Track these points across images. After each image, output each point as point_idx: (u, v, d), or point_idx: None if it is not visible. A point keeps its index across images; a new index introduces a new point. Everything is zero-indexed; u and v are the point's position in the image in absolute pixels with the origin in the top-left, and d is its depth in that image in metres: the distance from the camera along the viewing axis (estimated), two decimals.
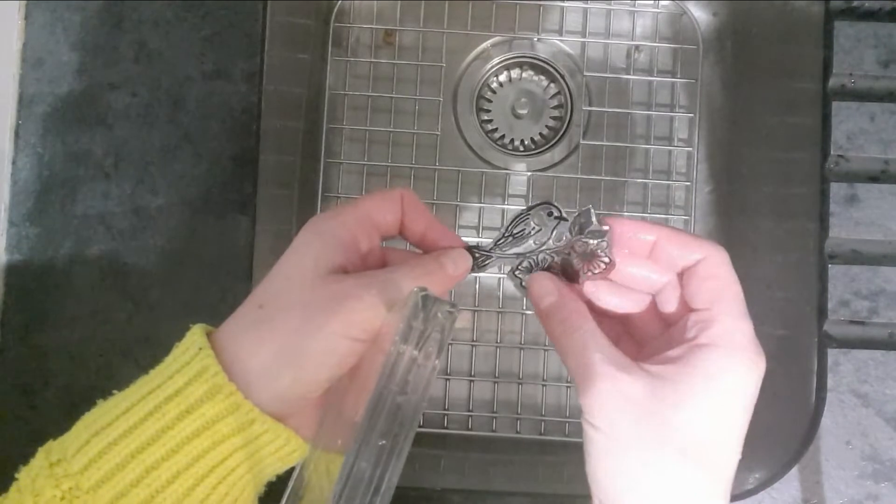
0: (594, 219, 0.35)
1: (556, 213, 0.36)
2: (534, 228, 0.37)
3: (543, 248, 0.37)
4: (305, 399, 0.33)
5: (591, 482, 0.33)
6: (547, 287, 0.35)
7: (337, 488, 0.28)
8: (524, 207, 0.37)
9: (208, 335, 0.33)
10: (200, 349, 0.32)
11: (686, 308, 0.35)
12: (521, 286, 0.37)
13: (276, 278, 0.34)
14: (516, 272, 0.37)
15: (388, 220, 0.36)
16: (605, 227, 0.35)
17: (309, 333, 0.32)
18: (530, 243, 0.37)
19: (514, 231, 0.37)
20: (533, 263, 0.37)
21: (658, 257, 0.35)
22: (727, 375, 0.31)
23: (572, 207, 0.62)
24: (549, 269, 0.37)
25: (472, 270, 0.38)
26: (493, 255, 0.37)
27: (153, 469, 0.30)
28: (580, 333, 0.33)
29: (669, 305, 0.36)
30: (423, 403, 0.30)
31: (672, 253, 0.34)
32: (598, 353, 0.32)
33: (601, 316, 0.37)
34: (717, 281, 0.33)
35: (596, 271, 0.35)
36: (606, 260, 0.35)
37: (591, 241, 0.35)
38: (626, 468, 0.31)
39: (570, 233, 0.36)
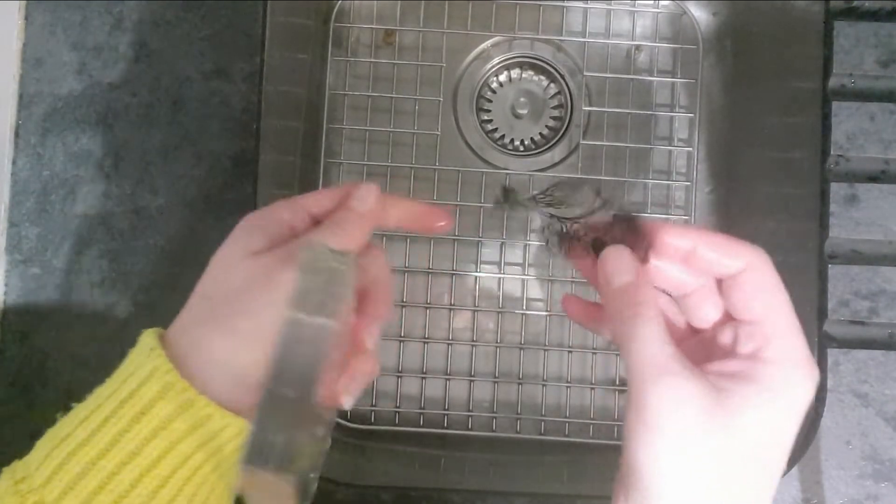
0: (637, 216, 0.34)
1: (603, 196, 0.35)
2: (576, 199, 0.35)
3: (580, 218, 0.35)
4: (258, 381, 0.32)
5: (631, 478, 0.31)
6: (625, 264, 0.33)
7: (243, 453, 0.27)
8: (572, 176, 0.36)
9: (162, 336, 0.34)
10: (151, 349, 0.32)
11: (725, 316, 0.34)
12: (550, 250, 0.36)
13: (211, 269, 0.35)
14: (545, 231, 0.36)
15: (324, 204, 0.37)
16: (646, 226, 0.34)
17: (245, 313, 0.32)
18: (565, 210, 0.36)
19: (556, 193, 0.36)
20: (565, 229, 0.36)
21: (695, 263, 0.33)
22: (789, 391, 0.31)
23: None
24: (578, 240, 0.35)
25: (504, 209, 0.38)
26: (528, 205, 0.36)
27: (115, 474, 0.30)
28: (654, 324, 0.31)
29: (703, 311, 0.34)
30: (323, 364, 0.29)
31: (711, 259, 0.33)
32: (666, 348, 0.30)
33: None
34: (768, 292, 0.32)
35: None
36: (643, 253, 0.34)
37: (632, 233, 0.34)
38: (676, 470, 0.30)
39: (614, 217, 0.35)
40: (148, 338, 0.34)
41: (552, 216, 0.36)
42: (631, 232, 0.34)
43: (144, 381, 0.32)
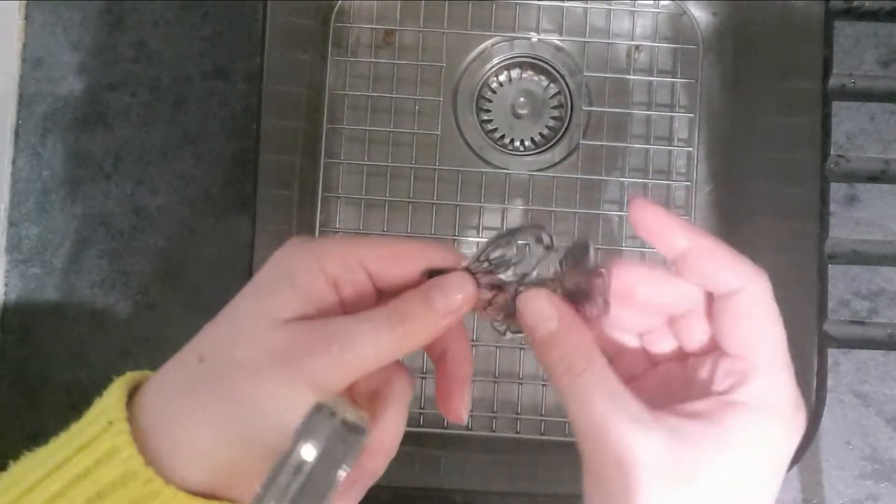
0: (592, 254, 0.28)
1: (546, 241, 0.29)
2: (516, 255, 0.29)
3: (526, 280, 0.29)
4: (250, 469, 0.27)
5: None
6: (543, 310, 0.28)
7: None
8: (507, 229, 0.30)
9: (137, 388, 0.28)
10: (110, 423, 0.27)
11: (711, 345, 0.29)
12: (497, 329, 0.30)
13: (223, 324, 0.28)
14: (488, 308, 0.30)
15: (389, 266, 0.30)
16: (602, 271, 0.28)
17: (254, 402, 0.26)
18: (510, 273, 0.29)
19: (492, 257, 0.29)
20: (510, 299, 0.29)
21: (685, 272, 0.29)
22: (762, 442, 0.27)
23: (572, 208, 0.62)
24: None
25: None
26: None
27: None
28: (587, 375, 0.27)
29: (692, 335, 0.30)
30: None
31: (704, 270, 0.28)
32: (608, 403, 0.26)
33: None
34: (758, 322, 0.27)
35: (588, 315, 0.29)
36: (602, 302, 0.28)
37: (586, 280, 0.28)
38: None
39: (562, 266, 0.29)
40: (113, 397, 0.27)
41: (493, 287, 0.29)
42: (585, 276, 0.28)
43: (101, 460, 0.26)
